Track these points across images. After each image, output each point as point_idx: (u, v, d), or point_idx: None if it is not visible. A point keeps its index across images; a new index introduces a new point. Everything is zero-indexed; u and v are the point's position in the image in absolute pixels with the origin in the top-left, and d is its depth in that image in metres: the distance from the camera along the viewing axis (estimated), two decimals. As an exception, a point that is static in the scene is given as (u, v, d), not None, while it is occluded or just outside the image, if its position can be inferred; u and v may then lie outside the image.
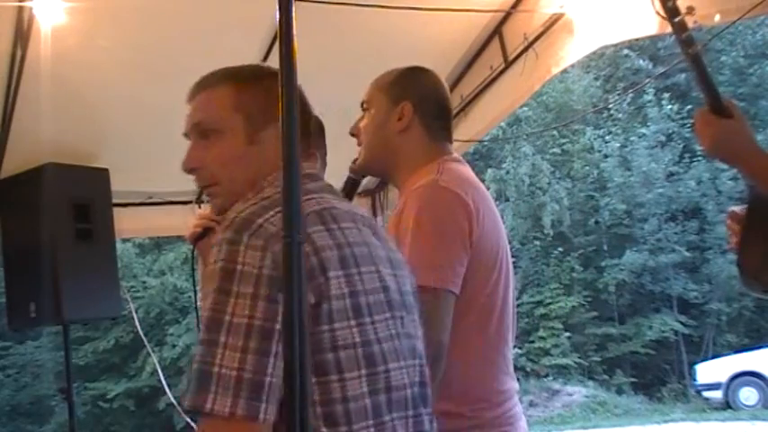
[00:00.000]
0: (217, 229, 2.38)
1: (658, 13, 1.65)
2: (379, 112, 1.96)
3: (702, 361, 15.60)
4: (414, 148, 1.93)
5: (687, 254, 17.38)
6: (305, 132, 1.43)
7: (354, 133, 2.02)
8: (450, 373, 1.74)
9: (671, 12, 1.62)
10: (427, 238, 1.75)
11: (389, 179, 2.06)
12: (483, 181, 2.07)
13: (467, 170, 1.94)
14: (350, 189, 2.10)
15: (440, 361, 1.70)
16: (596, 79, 19.66)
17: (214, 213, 2.41)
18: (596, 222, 18.81)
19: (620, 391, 16.64)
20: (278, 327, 1.16)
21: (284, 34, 1.71)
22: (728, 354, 15.51)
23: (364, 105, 2.01)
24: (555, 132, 18.42)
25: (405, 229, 1.78)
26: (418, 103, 1.94)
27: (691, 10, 1.60)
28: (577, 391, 16.41)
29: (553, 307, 17.45)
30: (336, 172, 2.26)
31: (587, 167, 18.91)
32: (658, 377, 17.32)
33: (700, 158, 17.41)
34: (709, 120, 1.65)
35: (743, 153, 1.65)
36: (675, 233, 17.64)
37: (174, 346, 16.21)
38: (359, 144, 2.01)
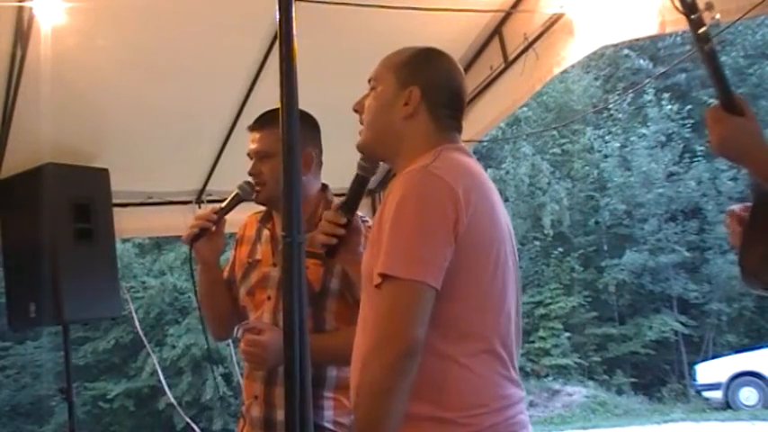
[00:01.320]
0: (213, 230, 2.38)
1: (677, 9, 1.63)
2: (386, 94, 1.85)
3: (702, 361, 15.59)
4: (417, 136, 1.82)
5: (687, 254, 17.36)
6: None
7: (357, 109, 1.92)
8: (441, 376, 1.65)
9: (689, 7, 1.59)
10: (408, 226, 1.64)
11: (389, 163, 1.96)
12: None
13: (467, 160, 1.82)
14: (358, 187, 2.00)
15: (412, 357, 1.59)
16: (596, 79, 19.65)
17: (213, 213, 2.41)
18: (596, 222, 18.80)
19: (620, 392, 16.62)
20: None
21: (284, 34, 1.71)
22: (728, 354, 15.50)
23: (371, 83, 1.90)
24: (555, 132, 18.41)
25: (387, 216, 1.67)
26: (427, 89, 1.83)
27: (710, 6, 1.59)
28: (577, 391, 16.40)
29: (553, 307, 17.44)
30: (335, 171, 2.27)
31: (587, 167, 18.90)
32: (658, 377, 17.32)
33: (700, 158, 17.41)
34: (720, 116, 1.61)
35: (752, 152, 1.61)
36: (675, 233, 17.63)
37: (173, 346, 16.19)
38: (361, 122, 1.91)
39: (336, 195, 2.42)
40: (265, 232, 2.45)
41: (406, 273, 1.61)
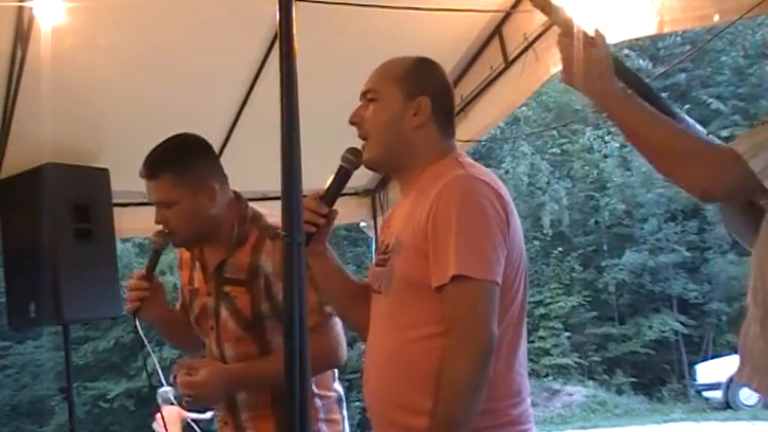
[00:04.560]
0: (149, 297, 2.30)
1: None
2: (393, 106, 1.88)
3: (702, 361, 15.59)
4: (427, 145, 1.88)
5: (687, 254, 17.38)
6: None
7: (356, 121, 1.92)
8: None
9: None
10: (473, 229, 1.73)
11: (396, 174, 2.00)
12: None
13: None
14: (341, 180, 1.97)
15: (492, 354, 1.69)
16: (596, 79, 19.63)
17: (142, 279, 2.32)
18: (596, 222, 18.81)
19: (620, 391, 16.63)
20: None
21: (284, 34, 1.71)
22: (728, 354, 15.47)
23: (369, 95, 1.91)
24: (554, 132, 18.42)
25: (444, 221, 1.73)
26: (435, 98, 1.89)
27: None
28: (577, 391, 16.41)
29: (553, 307, 17.44)
30: (334, 170, 2.25)
31: (587, 167, 18.91)
32: (658, 377, 17.32)
33: (699, 158, 17.40)
34: (564, 44, 1.70)
35: (595, 84, 1.67)
36: (675, 233, 17.64)
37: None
38: (360, 135, 1.92)
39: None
40: (197, 262, 2.40)
41: (480, 273, 1.71)
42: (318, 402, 2.27)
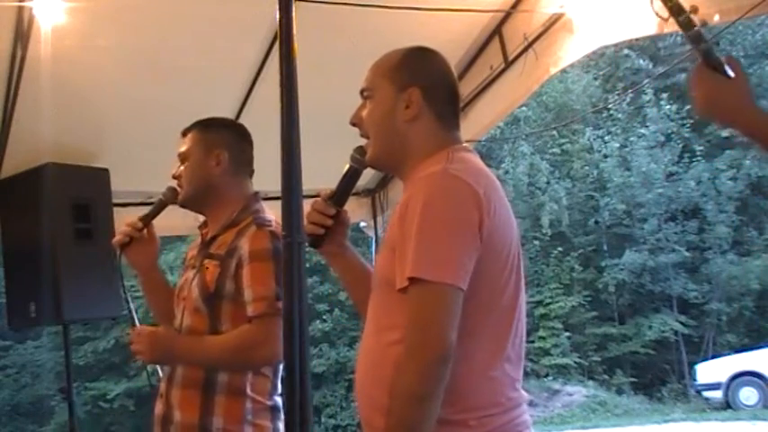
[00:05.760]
0: (143, 237, 2.43)
1: (657, 14, 1.61)
2: (384, 101, 1.80)
3: (702, 361, 15.58)
4: (424, 138, 1.78)
5: (687, 254, 17.36)
6: None
7: (355, 122, 1.86)
8: (454, 377, 1.60)
9: (677, 10, 1.57)
10: (435, 228, 1.61)
11: (397, 172, 1.90)
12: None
13: (478, 160, 1.79)
14: (350, 179, 1.94)
15: (448, 362, 1.56)
16: (596, 79, 19.64)
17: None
18: (596, 222, 18.80)
19: (620, 391, 16.62)
20: None
21: (284, 34, 1.72)
22: (728, 354, 15.50)
23: (365, 93, 1.84)
24: (554, 132, 18.41)
25: (411, 219, 1.63)
26: (427, 88, 1.79)
27: (695, 10, 1.58)
28: (577, 391, 16.40)
29: (553, 307, 17.43)
30: (338, 172, 2.26)
31: (587, 167, 18.90)
32: (658, 377, 17.31)
33: (699, 158, 17.42)
34: (704, 75, 1.56)
35: (738, 112, 1.56)
36: (675, 233, 17.62)
37: (173, 345, 16.16)
38: (362, 135, 1.87)
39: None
40: (200, 238, 2.50)
41: (437, 276, 1.59)
42: (248, 405, 2.28)
